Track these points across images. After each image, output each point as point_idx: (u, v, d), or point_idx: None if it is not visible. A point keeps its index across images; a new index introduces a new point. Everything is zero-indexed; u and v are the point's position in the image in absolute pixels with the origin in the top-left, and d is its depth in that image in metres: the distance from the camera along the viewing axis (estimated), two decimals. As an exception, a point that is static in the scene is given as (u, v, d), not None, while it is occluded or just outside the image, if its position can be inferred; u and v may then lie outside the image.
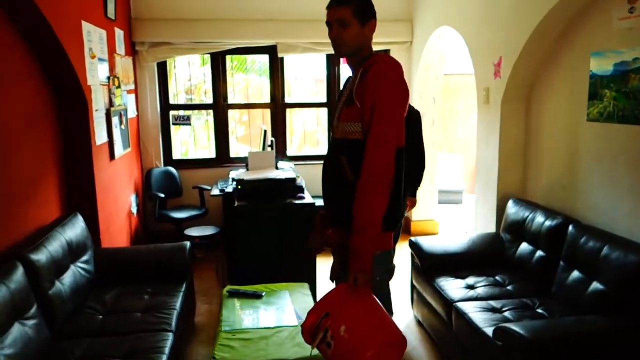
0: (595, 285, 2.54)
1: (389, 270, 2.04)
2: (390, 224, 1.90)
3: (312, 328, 1.84)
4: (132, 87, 4.85)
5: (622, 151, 2.74)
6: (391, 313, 2.21)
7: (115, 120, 4.04)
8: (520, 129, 3.63)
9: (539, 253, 3.04)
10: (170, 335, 2.53)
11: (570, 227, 2.87)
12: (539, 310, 2.69)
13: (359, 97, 1.89)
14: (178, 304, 2.88)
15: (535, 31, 3.15)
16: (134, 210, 4.68)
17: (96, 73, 3.64)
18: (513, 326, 2.21)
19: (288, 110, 5.65)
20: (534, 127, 3.54)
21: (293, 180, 3.83)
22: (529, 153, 3.61)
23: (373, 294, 1.89)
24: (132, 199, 4.66)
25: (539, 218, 3.14)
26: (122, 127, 4.30)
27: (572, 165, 3.16)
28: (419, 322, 3.51)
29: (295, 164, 5.00)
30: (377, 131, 1.83)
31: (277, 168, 4.28)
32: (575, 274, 2.71)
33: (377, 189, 1.81)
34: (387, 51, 5.44)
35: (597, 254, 2.58)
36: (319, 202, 4.94)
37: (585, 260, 2.67)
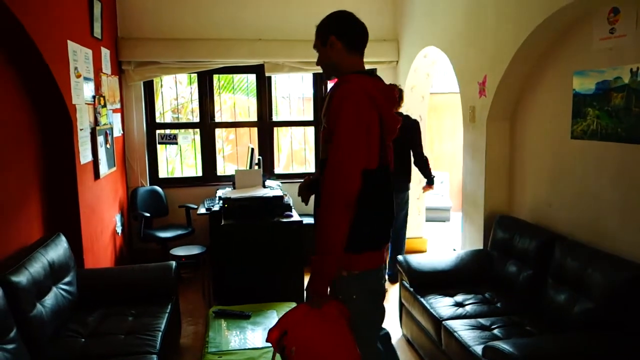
0: (583, 302, 2.54)
1: (374, 291, 2.00)
2: (357, 246, 1.87)
3: (274, 345, 1.85)
4: (118, 106, 4.83)
5: (606, 168, 2.77)
6: (380, 330, 2.16)
7: (100, 139, 4.01)
8: (505, 147, 3.67)
9: (527, 270, 3.04)
10: (155, 358, 2.48)
11: (557, 245, 2.89)
12: (528, 328, 2.68)
13: (327, 119, 1.89)
14: (163, 326, 2.82)
15: (519, 51, 3.20)
16: (119, 230, 4.62)
17: (81, 92, 3.62)
18: (502, 344, 2.19)
19: (275, 129, 5.66)
20: (519, 145, 3.58)
21: (280, 198, 3.82)
22: (515, 170, 3.64)
23: (351, 313, 1.90)
24: (117, 218, 4.60)
25: (526, 235, 3.15)
26: (108, 146, 4.27)
27: (557, 183, 3.19)
28: (407, 341, 3.48)
29: (282, 182, 4.99)
30: (333, 155, 1.82)
31: (264, 186, 4.26)
32: (563, 291, 2.72)
33: (333, 211, 1.79)
34: (373, 70, 5.50)
35: (584, 270, 2.59)
36: (307, 221, 4.94)
37: (572, 277, 2.67)
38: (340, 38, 1.94)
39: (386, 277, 2.69)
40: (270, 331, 1.87)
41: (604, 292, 2.43)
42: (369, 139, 1.83)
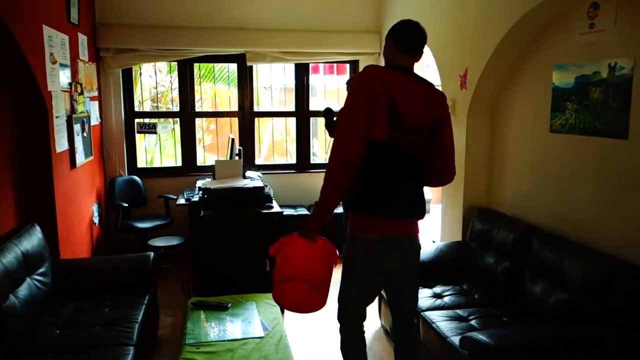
0: (560, 293, 2.58)
1: (353, 260, 2.24)
2: (364, 209, 2.17)
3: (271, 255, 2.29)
4: (96, 94, 4.73)
5: (584, 162, 2.81)
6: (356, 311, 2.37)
7: (77, 127, 3.93)
8: (485, 140, 3.70)
9: (505, 262, 3.08)
10: (132, 350, 2.45)
11: (535, 237, 2.92)
12: (505, 319, 2.71)
13: None
14: (140, 317, 2.79)
15: (500, 44, 3.22)
16: (96, 220, 4.54)
17: (57, 79, 3.53)
18: (479, 335, 2.22)
19: (257, 120, 5.61)
20: (499, 138, 3.61)
21: (261, 189, 3.79)
22: (495, 163, 3.67)
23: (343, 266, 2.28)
24: (94, 208, 4.52)
25: (505, 227, 3.18)
26: (85, 134, 4.18)
27: (536, 176, 3.23)
28: (386, 332, 3.50)
29: (263, 173, 4.96)
30: (337, 123, 2.19)
31: (244, 177, 4.23)
32: (540, 282, 2.76)
33: (332, 169, 2.10)
34: (355, 62, 5.49)
35: (561, 263, 2.63)
36: (288, 212, 4.92)
37: (549, 269, 2.71)
38: (394, 40, 2.26)
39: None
40: (271, 246, 2.26)
41: (580, 284, 2.47)
42: (371, 112, 2.06)
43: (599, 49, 2.66)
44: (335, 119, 2.69)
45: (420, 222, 2.28)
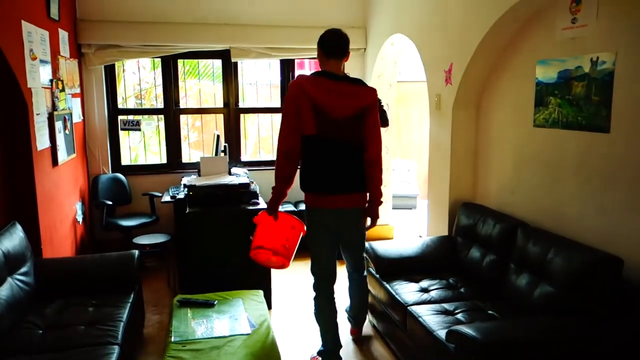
0: (544, 286, 2.61)
1: (317, 222, 2.88)
2: (304, 187, 2.86)
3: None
4: (78, 90, 4.67)
5: (566, 156, 2.84)
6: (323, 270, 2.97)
7: (58, 124, 3.87)
8: (471, 135, 3.72)
9: (490, 256, 3.10)
10: (116, 349, 2.42)
11: (519, 230, 2.95)
12: (490, 312, 2.74)
13: None
14: (125, 315, 2.76)
15: (484, 40, 3.23)
16: (80, 218, 4.48)
17: (37, 75, 3.47)
18: (465, 328, 2.23)
19: (242, 116, 5.58)
20: (484, 133, 3.63)
21: (247, 185, 3.77)
22: (480, 158, 3.69)
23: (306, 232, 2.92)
24: (78, 207, 4.47)
25: (490, 222, 3.21)
26: (67, 131, 4.12)
27: (520, 170, 3.25)
28: (374, 327, 3.51)
29: (249, 170, 4.94)
30: None
31: (230, 174, 4.20)
32: (525, 276, 2.78)
33: (277, 159, 2.76)
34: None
35: (545, 256, 2.66)
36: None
37: (533, 263, 2.74)
38: (320, 48, 2.78)
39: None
40: (254, 218, 2.95)
41: (564, 277, 2.50)
42: (300, 113, 2.66)
43: (581, 44, 2.68)
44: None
45: (360, 196, 2.85)
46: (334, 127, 2.67)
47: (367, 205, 2.88)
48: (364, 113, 2.72)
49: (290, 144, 2.69)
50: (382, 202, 2.90)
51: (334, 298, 2.97)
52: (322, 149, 2.71)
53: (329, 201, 2.79)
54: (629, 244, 2.46)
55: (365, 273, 3.21)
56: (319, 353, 3.03)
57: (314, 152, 2.72)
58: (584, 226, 2.72)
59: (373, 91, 2.81)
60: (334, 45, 2.74)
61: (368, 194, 2.86)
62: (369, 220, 2.91)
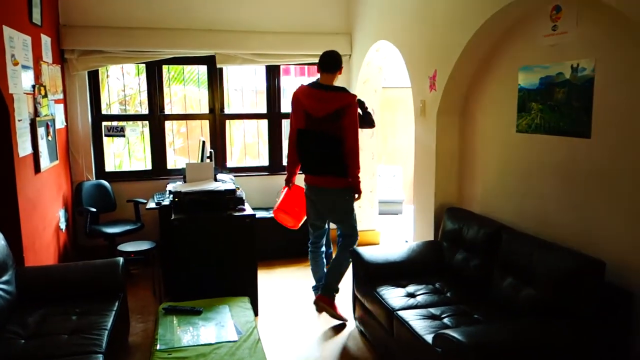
0: (528, 290, 2.64)
1: (307, 196, 3.82)
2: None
3: None
4: (61, 96, 4.62)
5: (549, 161, 2.88)
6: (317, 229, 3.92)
7: (41, 131, 3.82)
8: (455, 140, 3.75)
9: (475, 260, 3.13)
10: (100, 357, 2.39)
11: (504, 235, 2.98)
12: (476, 316, 2.76)
13: None
14: (109, 324, 2.72)
15: (467, 46, 3.28)
16: (63, 226, 4.43)
17: (19, 81, 3.43)
18: (451, 332, 2.25)
19: (228, 122, 5.57)
20: (468, 139, 3.67)
21: (233, 192, 3.76)
22: (464, 163, 3.73)
23: None
24: (61, 214, 4.41)
25: (474, 226, 3.24)
26: (49, 138, 4.07)
27: (503, 175, 3.29)
28: (361, 332, 3.52)
29: (235, 176, 4.93)
30: None
31: (216, 180, 4.19)
32: (509, 279, 2.81)
33: (288, 147, 3.87)
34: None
35: (529, 259, 2.69)
36: (261, 214, 4.91)
37: (518, 267, 2.77)
38: (318, 63, 3.65)
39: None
40: (284, 186, 3.98)
41: (548, 280, 2.53)
42: (295, 115, 3.66)
43: (562, 51, 2.74)
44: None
45: (335, 179, 3.58)
46: (316, 123, 3.53)
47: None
48: (340, 113, 3.46)
49: (291, 135, 3.72)
50: (359, 181, 3.59)
51: (318, 250, 3.91)
52: (308, 139, 3.60)
53: (311, 179, 3.70)
54: (610, 246, 2.51)
55: (345, 245, 3.74)
56: (313, 288, 3.99)
57: (303, 141, 3.64)
58: (567, 229, 2.76)
59: (349, 96, 3.53)
60: (324, 62, 3.60)
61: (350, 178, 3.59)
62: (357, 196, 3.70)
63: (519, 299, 2.67)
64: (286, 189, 3.93)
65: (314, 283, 3.98)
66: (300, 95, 3.61)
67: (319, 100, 3.51)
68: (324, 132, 3.49)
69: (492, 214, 3.38)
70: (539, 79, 2.90)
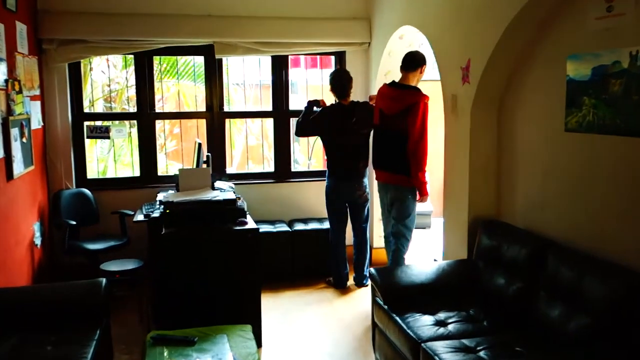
0: (580, 317, 2.60)
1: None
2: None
3: None
4: (38, 92, 4.69)
5: (603, 165, 2.84)
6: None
7: (14, 131, 3.88)
8: (492, 141, 3.72)
9: (517, 283, 3.09)
10: (79, 394, 2.39)
11: (550, 253, 2.94)
12: (518, 349, 2.72)
13: None
14: (89, 355, 2.73)
15: (506, 31, 3.25)
16: (38, 241, 4.48)
17: (-10, 74, 3.49)
18: (489, 368, 2.21)
19: (228, 121, 5.60)
20: (507, 139, 3.64)
21: (233, 202, 3.77)
22: (503, 168, 3.70)
23: None
24: (36, 227, 4.46)
25: (515, 242, 3.20)
26: (24, 140, 4.13)
27: (550, 182, 3.25)
28: (382, 367, 3.49)
29: (235, 184, 4.95)
30: None
31: (214, 188, 4.21)
32: (558, 305, 2.77)
33: None
34: (341, 53, 5.52)
35: (580, 281, 2.65)
36: (265, 228, 4.94)
37: (567, 290, 2.73)
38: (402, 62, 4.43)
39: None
40: None
41: (603, 305, 2.49)
42: (376, 112, 4.55)
43: (618, 36, 2.70)
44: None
45: (395, 175, 4.38)
46: (388, 120, 4.34)
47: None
48: (407, 111, 4.18)
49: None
50: (421, 182, 4.25)
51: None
52: (379, 135, 4.50)
53: (376, 174, 4.60)
54: (678, 267, 2.46)
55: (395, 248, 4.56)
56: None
57: (375, 137, 4.57)
58: (626, 246, 2.71)
59: (416, 95, 4.22)
60: (404, 60, 4.34)
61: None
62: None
63: (568, 327, 2.63)
64: None
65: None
66: (379, 93, 4.51)
67: (391, 98, 4.31)
68: (391, 129, 4.28)
69: (537, 229, 3.33)
70: (591, 69, 2.86)
